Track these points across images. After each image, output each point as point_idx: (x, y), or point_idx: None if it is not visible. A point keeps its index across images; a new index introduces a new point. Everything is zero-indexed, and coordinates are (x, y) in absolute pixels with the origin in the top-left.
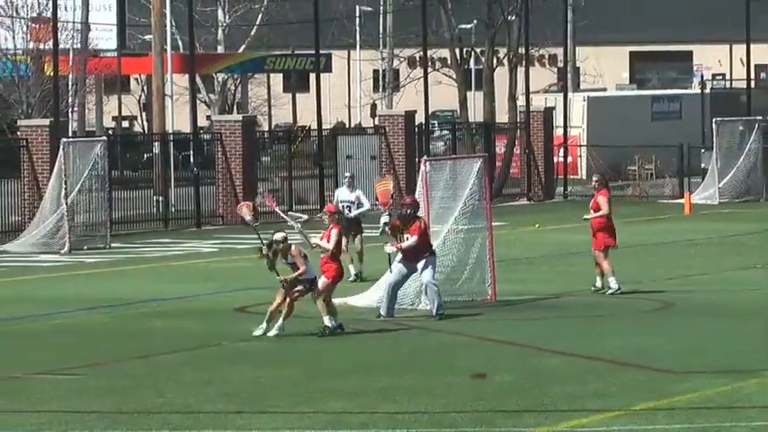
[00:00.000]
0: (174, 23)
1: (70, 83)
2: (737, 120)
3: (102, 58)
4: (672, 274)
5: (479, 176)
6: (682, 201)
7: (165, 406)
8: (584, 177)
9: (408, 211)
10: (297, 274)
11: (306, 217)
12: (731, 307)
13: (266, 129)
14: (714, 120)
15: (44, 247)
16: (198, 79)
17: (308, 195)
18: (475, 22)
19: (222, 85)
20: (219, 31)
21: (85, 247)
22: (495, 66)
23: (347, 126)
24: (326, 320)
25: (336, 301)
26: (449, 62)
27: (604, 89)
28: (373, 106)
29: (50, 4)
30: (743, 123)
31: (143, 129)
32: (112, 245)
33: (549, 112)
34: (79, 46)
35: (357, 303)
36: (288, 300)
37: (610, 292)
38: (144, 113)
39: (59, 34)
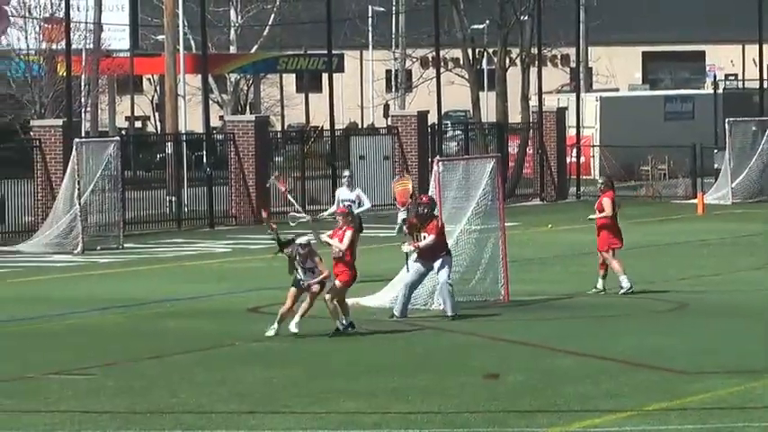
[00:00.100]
0: (186, 23)
1: (83, 83)
2: (750, 120)
3: (114, 58)
4: (685, 274)
5: (492, 177)
6: (695, 201)
7: (178, 406)
8: (596, 178)
9: (425, 209)
10: (322, 277)
11: (306, 217)
12: (744, 307)
13: (279, 129)
14: (727, 120)
15: (57, 247)
16: (210, 79)
17: (320, 196)
18: (487, 22)
19: (235, 85)
20: (232, 32)
21: (99, 248)
22: (508, 66)
23: (360, 126)
24: (338, 323)
25: (349, 301)
26: (461, 62)
27: (617, 89)
28: (386, 107)
29: (63, 5)
30: (756, 123)
31: (156, 129)
32: (126, 245)
33: (561, 112)
34: (92, 46)
35: (370, 304)
36: (309, 299)
37: (622, 291)
38: (157, 114)
39: (72, 34)
